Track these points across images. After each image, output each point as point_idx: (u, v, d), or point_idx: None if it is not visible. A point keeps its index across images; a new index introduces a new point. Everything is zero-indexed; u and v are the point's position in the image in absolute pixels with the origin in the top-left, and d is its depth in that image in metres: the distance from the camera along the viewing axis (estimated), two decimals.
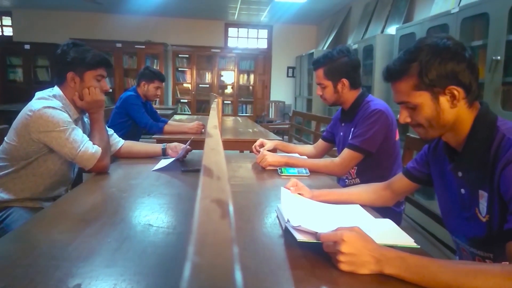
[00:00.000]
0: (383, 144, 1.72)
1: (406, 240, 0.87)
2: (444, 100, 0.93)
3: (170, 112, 5.81)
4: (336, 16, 6.85)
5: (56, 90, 1.56)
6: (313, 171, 1.72)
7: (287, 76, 8.34)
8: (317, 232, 0.82)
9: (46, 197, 1.57)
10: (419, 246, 0.85)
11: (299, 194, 1.19)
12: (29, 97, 1.57)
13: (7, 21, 7.84)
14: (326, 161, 1.80)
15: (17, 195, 1.50)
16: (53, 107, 1.45)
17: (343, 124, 1.91)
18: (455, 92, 0.91)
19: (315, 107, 6.44)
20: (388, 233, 0.92)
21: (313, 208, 1.12)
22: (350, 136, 1.77)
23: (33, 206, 1.52)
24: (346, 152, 1.72)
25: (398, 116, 1.04)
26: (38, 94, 1.54)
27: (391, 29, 4.59)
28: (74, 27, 7.58)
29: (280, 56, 8.28)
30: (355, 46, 4.90)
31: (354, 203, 1.20)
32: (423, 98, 0.94)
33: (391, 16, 4.83)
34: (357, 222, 0.97)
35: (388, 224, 0.98)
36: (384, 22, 4.90)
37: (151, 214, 1.09)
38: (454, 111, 0.93)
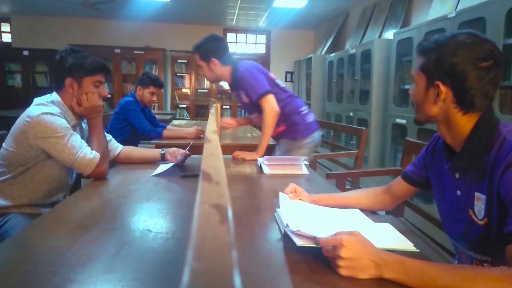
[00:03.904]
0: None
1: (405, 244, 0.87)
2: (431, 91, 0.94)
3: (169, 117, 5.82)
4: (334, 21, 6.89)
5: (54, 96, 1.56)
6: None
7: (286, 81, 8.35)
8: (316, 237, 0.82)
9: (44, 203, 1.57)
10: (418, 250, 0.85)
11: (298, 198, 1.19)
12: (28, 103, 1.57)
13: (5, 27, 7.85)
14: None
15: (15, 202, 1.49)
16: (51, 113, 1.45)
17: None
18: (441, 90, 0.91)
19: (314, 112, 6.44)
20: (387, 237, 0.92)
21: (312, 212, 1.12)
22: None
23: (31, 212, 1.52)
24: None
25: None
26: (37, 100, 1.54)
27: (389, 34, 4.62)
28: (73, 33, 7.59)
29: (279, 61, 8.31)
30: (353, 51, 4.93)
31: (353, 207, 1.19)
32: (420, 79, 0.97)
33: (388, 21, 4.86)
34: (356, 226, 0.97)
35: (387, 228, 0.98)
36: (381, 27, 4.93)
37: (150, 220, 1.09)
38: (437, 107, 0.94)
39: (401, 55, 3.80)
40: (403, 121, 3.63)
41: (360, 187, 2.63)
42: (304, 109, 2.47)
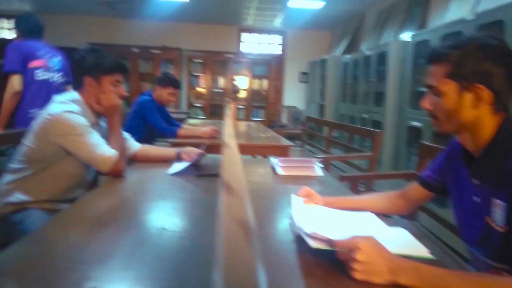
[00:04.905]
0: None
1: (421, 250, 0.87)
2: (468, 97, 0.91)
3: (184, 116, 5.88)
4: (350, 22, 6.84)
5: (74, 94, 1.60)
6: None
7: (300, 81, 8.33)
8: (331, 239, 0.82)
9: (63, 199, 1.60)
10: (433, 257, 0.84)
11: (311, 201, 1.19)
12: None
13: None
14: None
15: (35, 197, 1.53)
16: (72, 112, 1.48)
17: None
18: (482, 93, 0.89)
19: (328, 112, 6.43)
20: (402, 242, 0.91)
21: (326, 215, 1.12)
22: None
23: (50, 208, 1.55)
24: None
25: (421, 100, 1.03)
26: (57, 98, 1.57)
27: (405, 36, 4.57)
28: (92, 31, 7.71)
29: (293, 61, 8.29)
30: (369, 53, 4.89)
31: (367, 211, 1.19)
32: (449, 88, 0.93)
33: (405, 23, 4.81)
34: (370, 230, 0.97)
35: (402, 233, 0.97)
36: (398, 29, 4.88)
37: (166, 218, 1.10)
38: (474, 111, 0.92)
39: (418, 57, 3.76)
40: (419, 124, 3.59)
41: (373, 190, 2.61)
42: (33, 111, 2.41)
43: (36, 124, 1.52)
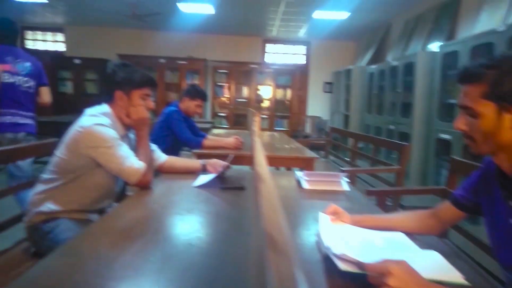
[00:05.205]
0: None
1: (455, 275, 0.83)
2: (508, 118, 0.88)
3: (208, 125, 5.93)
4: (375, 32, 6.77)
5: (105, 107, 1.64)
6: None
7: (324, 91, 8.29)
8: (361, 262, 0.80)
9: (92, 209, 1.64)
10: (468, 283, 0.81)
11: (339, 219, 1.17)
12: (78, 109, 1.64)
13: (60, 37, 8.37)
14: None
15: (65, 207, 1.57)
16: (102, 124, 1.52)
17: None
18: None
19: (353, 123, 6.35)
20: (435, 267, 0.88)
21: (354, 234, 1.10)
22: None
23: (80, 218, 1.59)
24: None
25: (454, 121, 0.99)
26: (88, 111, 1.62)
27: (433, 46, 4.48)
28: (121, 43, 7.96)
29: (317, 71, 8.27)
30: (395, 63, 4.81)
31: (397, 230, 1.16)
32: (487, 109, 0.90)
33: (432, 33, 4.72)
34: (402, 252, 0.94)
35: (435, 257, 0.94)
36: (425, 39, 4.79)
37: (192, 233, 1.11)
38: None
39: (447, 68, 3.67)
40: (448, 136, 3.49)
41: (401, 205, 2.55)
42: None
43: (68, 136, 1.57)
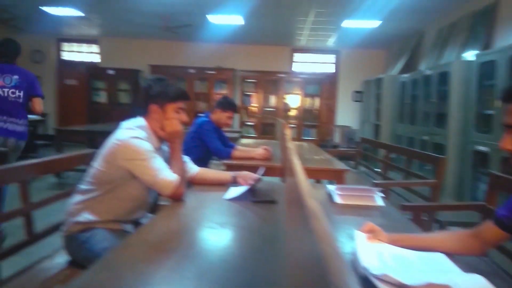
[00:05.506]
0: None
1: None
2: None
3: (236, 135, 5.97)
4: (407, 41, 6.64)
5: (140, 121, 1.68)
6: None
7: (354, 100, 8.18)
8: (404, 284, 0.77)
9: (127, 219, 1.68)
10: None
11: (375, 238, 1.14)
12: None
13: (94, 48, 8.71)
14: None
15: (101, 217, 1.61)
16: (138, 137, 1.56)
17: None
18: None
19: (383, 133, 6.22)
20: None
21: (393, 255, 1.06)
22: None
23: (115, 228, 1.63)
24: None
25: (501, 140, 0.95)
26: (125, 124, 1.67)
27: (469, 55, 4.34)
28: (152, 54, 8.19)
29: (347, 80, 8.19)
30: (429, 72, 4.69)
31: (436, 251, 1.11)
32: None
33: (468, 42, 4.57)
34: (444, 274, 0.90)
35: (479, 281, 0.90)
36: (460, 48, 4.65)
37: (225, 249, 1.11)
38: None
39: (483, 78, 3.54)
40: (486, 149, 3.35)
41: (437, 219, 2.46)
42: None
43: (105, 149, 1.61)
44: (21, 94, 3.14)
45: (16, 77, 3.13)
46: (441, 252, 1.11)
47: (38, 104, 3.25)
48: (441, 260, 1.05)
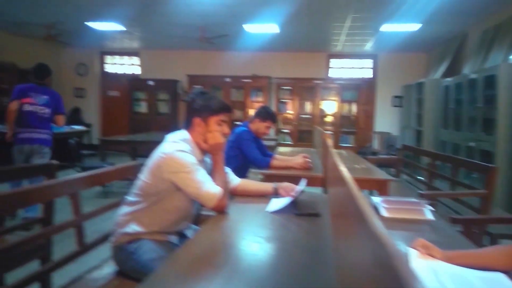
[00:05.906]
0: None
1: None
2: None
3: (273, 143, 5.97)
4: (449, 43, 6.38)
5: (184, 134, 1.72)
6: None
7: (393, 105, 7.96)
8: None
9: (171, 230, 1.71)
10: None
11: (429, 255, 1.09)
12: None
13: (135, 60, 9.04)
14: None
15: (147, 228, 1.65)
16: (183, 151, 1.59)
17: None
18: None
19: (426, 139, 5.99)
20: None
21: (450, 274, 1.01)
22: None
23: (160, 239, 1.66)
24: None
25: None
26: (170, 137, 1.71)
27: None
28: (189, 64, 8.38)
29: (385, 85, 7.98)
30: (474, 76, 4.48)
31: (495, 270, 1.05)
32: None
33: None
34: None
35: None
36: (507, 50, 4.41)
37: (273, 265, 1.10)
38: None
39: None
40: None
41: (489, 232, 2.32)
42: None
43: (151, 161, 1.66)
44: (49, 111, 3.78)
45: (45, 97, 3.77)
46: (501, 271, 1.04)
47: (61, 120, 3.94)
48: (501, 280, 0.99)
